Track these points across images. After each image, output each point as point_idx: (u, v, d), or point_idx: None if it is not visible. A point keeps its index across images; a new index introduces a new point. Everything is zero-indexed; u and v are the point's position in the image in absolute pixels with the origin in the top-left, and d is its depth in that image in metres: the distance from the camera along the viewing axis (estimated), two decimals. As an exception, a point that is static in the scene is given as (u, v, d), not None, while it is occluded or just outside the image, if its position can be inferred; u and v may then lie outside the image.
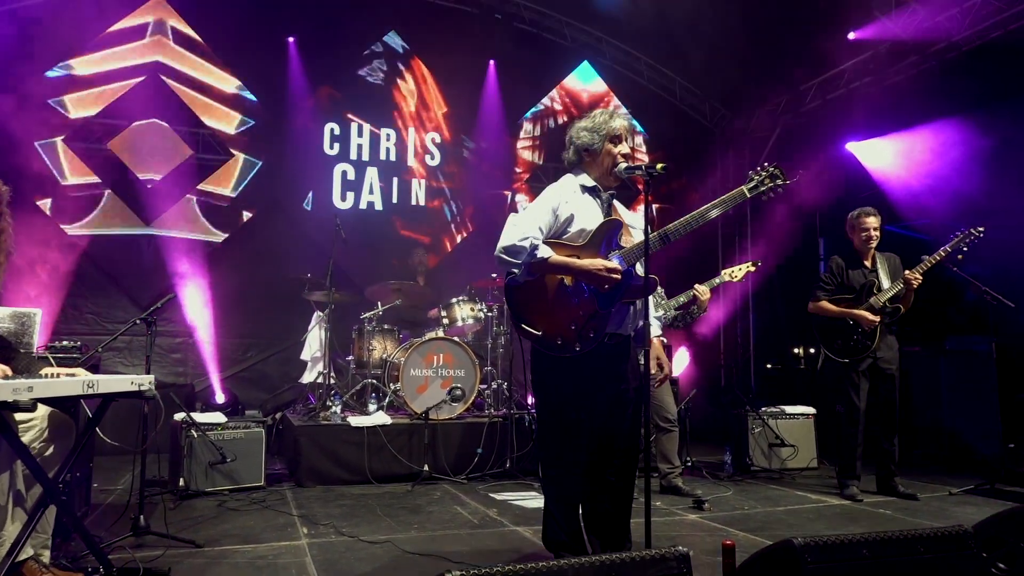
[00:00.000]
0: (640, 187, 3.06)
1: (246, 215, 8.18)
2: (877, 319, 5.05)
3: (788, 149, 8.98)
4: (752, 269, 5.07)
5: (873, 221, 5.24)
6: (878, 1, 7.26)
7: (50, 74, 7.49)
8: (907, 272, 5.04)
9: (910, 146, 7.73)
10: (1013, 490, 5.10)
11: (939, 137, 7.33)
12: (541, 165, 9.54)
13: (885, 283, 5.16)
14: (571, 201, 3.18)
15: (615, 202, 3.31)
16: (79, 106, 7.58)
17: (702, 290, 4.98)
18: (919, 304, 5.17)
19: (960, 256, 5.00)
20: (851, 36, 7.71)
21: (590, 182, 3.24)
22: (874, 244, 5.25)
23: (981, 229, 4.94)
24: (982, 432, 6.48)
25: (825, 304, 5.28)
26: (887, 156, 8.02)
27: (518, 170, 9.50)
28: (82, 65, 7.61)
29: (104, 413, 2.99)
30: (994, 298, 5.25)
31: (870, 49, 7.81)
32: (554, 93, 9.72)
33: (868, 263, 5.27)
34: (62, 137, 7.49)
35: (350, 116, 8.71)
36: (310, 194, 8.44)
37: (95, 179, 7.60)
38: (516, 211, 3.27)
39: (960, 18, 6.88)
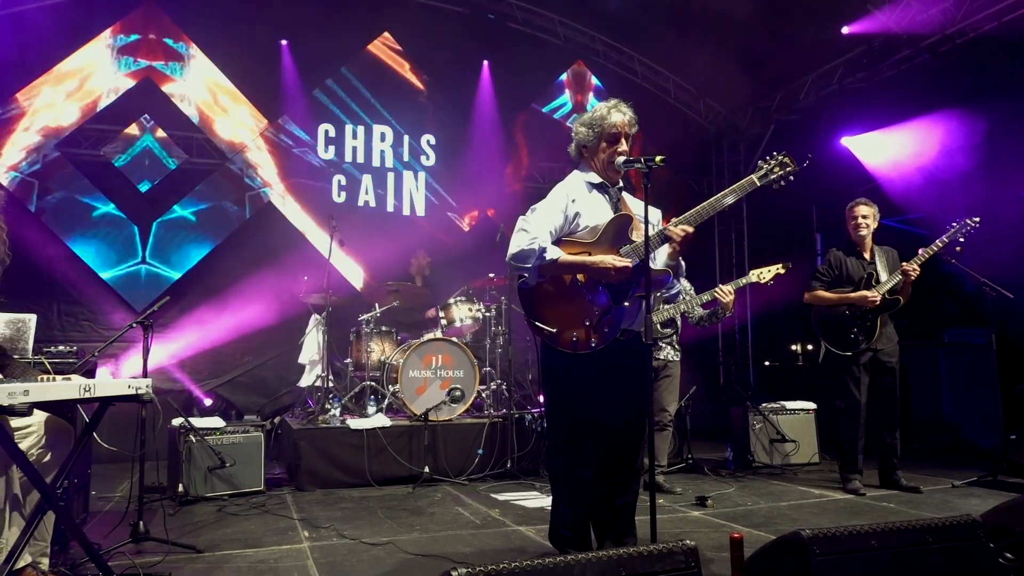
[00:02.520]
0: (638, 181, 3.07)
1: (241, 218, 8.15)
2: (878, 296, 5.03)
3: (783, 145, 8.78)
4: (782, 271, 4.78)
5: (863, 210, 5.24)
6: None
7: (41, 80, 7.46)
8: (904, 264, 5.03)
9: (905, 140, 7.73)
10: (1015, 481, 5.09)
11: (933, 130, 7.34)
12: (537, 164, 9.51)
13: (883, 276, 5.16)
14: (579, 199, 3.17)
15: (624, 195, 3.28)
16: (70, 111, 7.55)
17: (726, 290, 4.83)
18: (917, 297, 5.16)
19: (958, 248, 4.98)
20: (845, 30, 7.71)
21: (597, 179, 3.22)
22: (864, 233, 5.23)
23: (977, 220, 4.93)
24: (983, 424, 6.49)
25: (820, 292, 5.27)
26: (882, 150, 8.02)
27: (514, 169, 9.47)
28: (71, 70, 7.58)
29: (101, 417, 2.95)
30: (993, 289, 5.24)
31: (863, 44, 7.81)
32: (547, 92, 9.71)
33: (867, 256, 5.27)
34: (55, 143, 7.46)
35: (345, 117, 8.69)
36: (306, 196, 8.41)
37: (87, 184, 7.58)
38: (517, 211, 3.25)
39: (954, 10, 6.89)
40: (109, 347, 4.82)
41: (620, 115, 3.16)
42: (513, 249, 3.06)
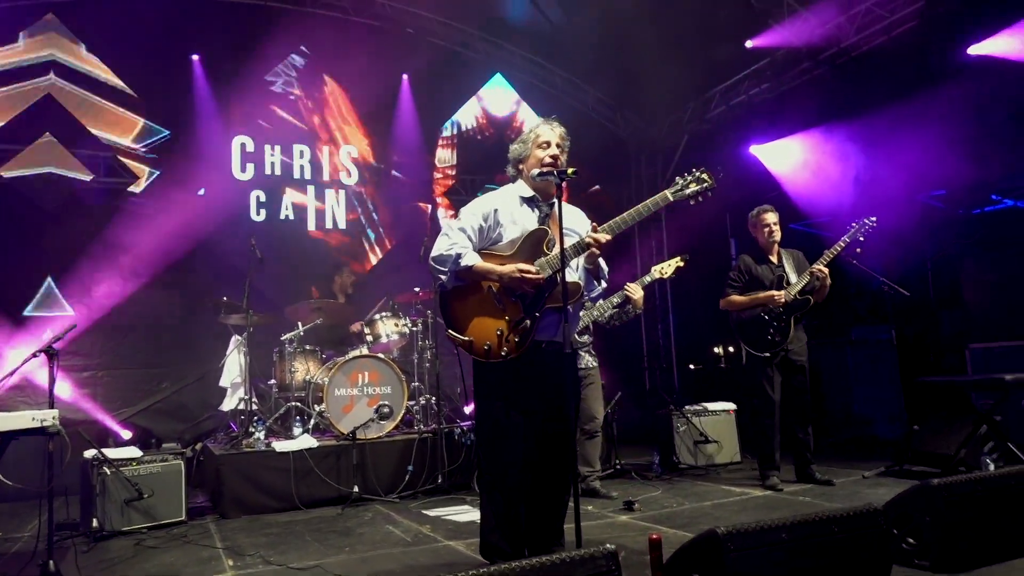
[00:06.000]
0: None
1: (154, 239, 7.84)
2: (781, 295, 5.25)
3: (697, 154, 9.27)
4: (681, 264, 5.13)
5: (772, 217, 5.48)
6: (772, 9, 7.60)
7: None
8: (812, 267, 5.26)
9: (807, 148, 8.13)
10: (920, 470, 5.36)
11: (833, 138, 7.74)
12: (459, 178, 9.55)
13: (793, 277, 5.39)
14: (503, 209, 3.28)
15: (556, 208, 3.32)
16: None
17: (633, 288, 5.07)
18: (826, 297, 5.40)
19: (859, 249, 5.25)
20: (748, 44, 8.04)
21: (528, 192, 3.34)
22: (776, 239, 5.47)
23: (874, 219, 5.20)
24: (888, 416, 6.85)
25: (734, 297, 5.47)
26: (788, 158, 8.40)
27: (436, 184, 9.48)
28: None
29: (2, 454, 2.81)
30: (891, 288, 5.54)
31: (767, 56, 8.17)
32: (468, 106, 9.77)
33: (774, 259, 5.49)
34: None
35: (261, 133, 8.51)
36: (223, 213, 8.19)
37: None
38: (437, 225, 3.34)
39: (848, 24, 7.28)
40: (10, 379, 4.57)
41: (549, 127, 3.34)
42: (434, 252, 3.23)
